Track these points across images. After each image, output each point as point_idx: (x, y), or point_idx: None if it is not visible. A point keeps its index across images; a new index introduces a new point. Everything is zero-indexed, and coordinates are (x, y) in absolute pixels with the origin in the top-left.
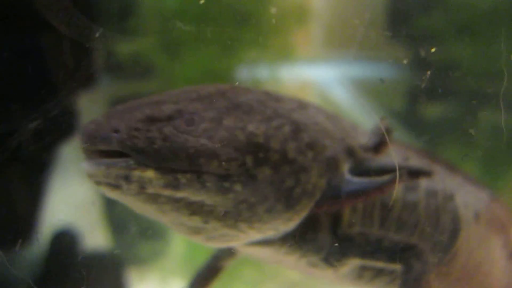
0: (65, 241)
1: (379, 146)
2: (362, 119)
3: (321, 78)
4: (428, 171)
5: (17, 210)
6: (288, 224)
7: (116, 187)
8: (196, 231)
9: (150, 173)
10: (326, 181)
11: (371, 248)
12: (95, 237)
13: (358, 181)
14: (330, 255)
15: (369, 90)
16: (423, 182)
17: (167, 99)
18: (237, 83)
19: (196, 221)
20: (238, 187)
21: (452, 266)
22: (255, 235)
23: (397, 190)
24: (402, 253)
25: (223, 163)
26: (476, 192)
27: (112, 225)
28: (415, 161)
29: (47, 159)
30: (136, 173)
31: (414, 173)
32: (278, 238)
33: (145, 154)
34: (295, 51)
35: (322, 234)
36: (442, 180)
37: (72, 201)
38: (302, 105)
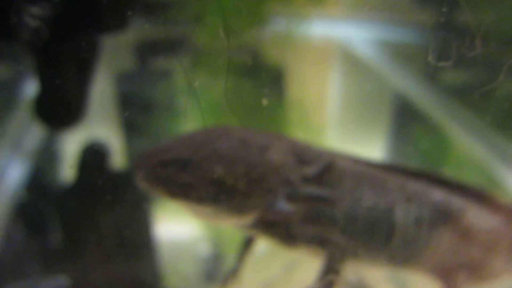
0: (96, 153)
1: (317, 176)
2: (385, 77)
3: (347, 37)
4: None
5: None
6: (242, 220)
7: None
8: (194, 214)
9: (159, 190)
10: (264, 202)
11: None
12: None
13: (283, 206)
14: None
15: (394, 52)
16: (368, 198)
17: (174, 146)
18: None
19: (189, 209)
20: (208, 203)
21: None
22: (230, 223)
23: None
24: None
25: (198, 191)
26: (428, 197)
27: (130, 157)
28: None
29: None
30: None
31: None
32: (250, 226)
33: (159, 184)
34: (323, 8)
35: (275, 230)
36: (389, 194)
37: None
38: (264, 147)
